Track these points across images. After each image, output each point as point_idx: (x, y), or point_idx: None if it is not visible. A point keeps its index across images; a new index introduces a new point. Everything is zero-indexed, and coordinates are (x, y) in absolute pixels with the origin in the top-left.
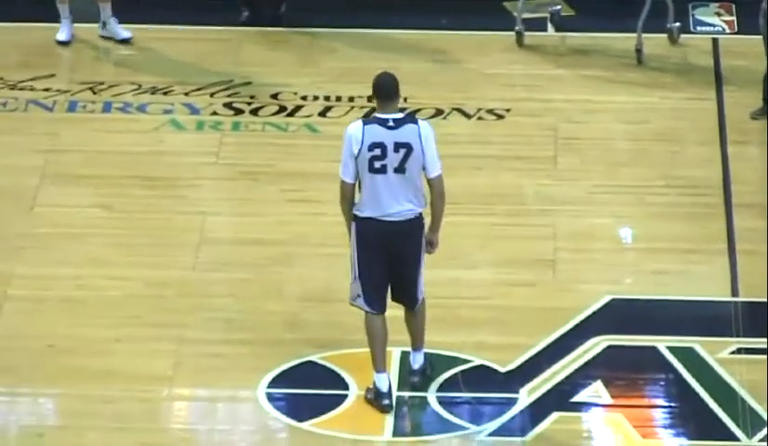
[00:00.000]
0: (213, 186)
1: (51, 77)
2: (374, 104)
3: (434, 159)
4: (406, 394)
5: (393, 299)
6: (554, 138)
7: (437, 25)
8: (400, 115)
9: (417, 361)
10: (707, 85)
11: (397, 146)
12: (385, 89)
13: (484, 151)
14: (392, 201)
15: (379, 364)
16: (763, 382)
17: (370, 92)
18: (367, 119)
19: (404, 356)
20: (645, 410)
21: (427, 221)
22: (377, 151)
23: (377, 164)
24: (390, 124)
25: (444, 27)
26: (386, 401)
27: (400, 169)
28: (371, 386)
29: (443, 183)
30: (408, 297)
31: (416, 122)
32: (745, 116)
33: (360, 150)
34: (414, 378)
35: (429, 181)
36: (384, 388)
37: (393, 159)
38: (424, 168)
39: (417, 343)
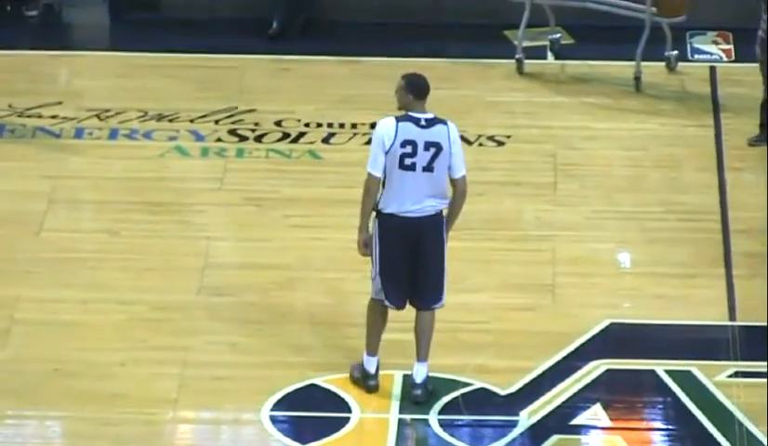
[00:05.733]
0: (217, 211)
1: (58, 105)
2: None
3: (460, 160)
4: (408, 417)
5: (410, 300)
6: (554, 165)
7: (439, 53)
8: (431, 115)
9: (419, 374)
10: (704, 113)
11: (427, 145)
12: (419, 88)
13: (485, 177)
14: (417, 197)
15: (372, 349)
16: (761, 405)
17: (373, 119)
18: (400, 116)
19: (406, 378)
20: (644, 433)
21: None
22: (409, 149)
23: (408, 162)
24: (423, 123)
25: (446, 55)
26: (372, 382)
27: (428, 168)
28: (358, 365)
29: (467, 183)
30: (429, 294)
31: (445, 123)
32: (742, 143)
33: (392, 145)
34: (416, 391)
35: (452, 181)
36: (372, 370)
37: (423, 157)
38: (450, 168)
39: (422, 352)
